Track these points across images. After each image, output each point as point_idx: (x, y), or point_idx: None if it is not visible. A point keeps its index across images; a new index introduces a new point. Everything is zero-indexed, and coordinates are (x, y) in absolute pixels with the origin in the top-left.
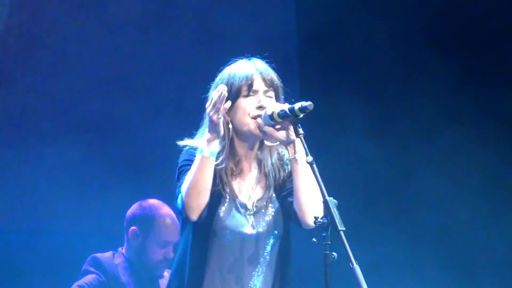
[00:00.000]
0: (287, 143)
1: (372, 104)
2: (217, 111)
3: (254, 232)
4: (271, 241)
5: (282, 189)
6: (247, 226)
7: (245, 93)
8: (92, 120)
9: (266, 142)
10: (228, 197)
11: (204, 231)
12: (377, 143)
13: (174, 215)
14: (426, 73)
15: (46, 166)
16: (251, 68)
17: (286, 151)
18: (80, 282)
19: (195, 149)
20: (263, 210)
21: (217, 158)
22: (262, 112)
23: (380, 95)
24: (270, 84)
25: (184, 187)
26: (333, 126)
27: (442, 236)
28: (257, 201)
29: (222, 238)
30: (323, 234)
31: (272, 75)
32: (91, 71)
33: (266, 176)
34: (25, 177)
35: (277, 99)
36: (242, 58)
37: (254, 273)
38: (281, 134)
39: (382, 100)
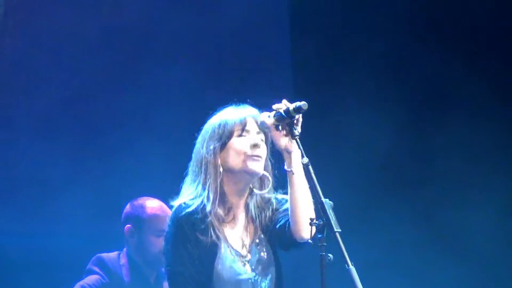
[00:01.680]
0: (286, 151)
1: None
2: None
3: (250, 276)
4: (266, 284)
5: (269, 225)
6: (244, 272)
7: (238, 133)
8: (88, 121)
9: (255, 190)
10: (222, 246)
11: (203, 285)
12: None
13: (164, 206)
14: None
15: (41, 167)
16: (243, 112)
17: (271, 194)
18: (83, 282)
19: (192, 214)
20: (256, 255)
21: (206, 206)
22: (257, 152)
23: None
24: (261, 128)
25: None
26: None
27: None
28: (249, 245)
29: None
30: (319, 236)
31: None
32: (86, 72)
33: (252, 219)
34: (19, 178)
35: (266, 143)
36: (230, 105)
37: None
38: (283, 141)
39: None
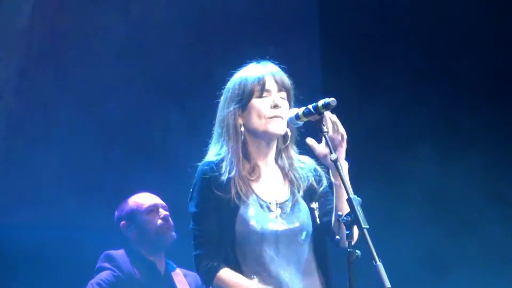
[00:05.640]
0: (327, 164)
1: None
2: None
3: (287, 227)
4: (305, 237)
5: (312, 199)
6: (277, 223)
7: (258, 93)
8: (113, 116)
9: (280, 145)
10: (246, 203)
11: (238, 242)
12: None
13: (148, 193)
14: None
15: (67, 161)
16: (262, 70)
17: (305, 158)
18: (96, 279)
19: (206, 171)
20: (290, 210)
21: (228, 167)
22: (277, 112)
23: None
24: (282, 85)
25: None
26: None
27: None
28: (282, 203)
29: (255, 242)
30: (347, 232)
31: (283, 76)
32: (114, 66)
33: (290, 182)
34: (46, 170)
35: (289, 100)
36: (251, 62)
37: (290, 272)
38: (322, 151)
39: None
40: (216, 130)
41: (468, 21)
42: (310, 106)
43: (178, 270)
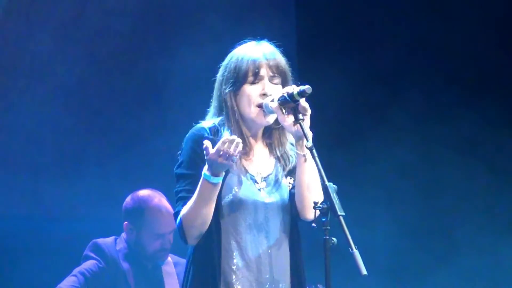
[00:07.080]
0: (296, 136)
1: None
2: (229, 158)
3: (268, 200)
4: (283, 213)
5: (291, 176)
6: (260, 195)
7: (251, 79)
8: (92, 104)
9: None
10: (235, 170)
11: (220, 207)
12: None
13: (165, 205)
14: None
15: (46, 152)
16: (258, 53)
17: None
18: (80, 268)
19: (198, 134)
20: (273, 184)
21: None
22: (265, 100)
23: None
24: (276, 71)
25: (186, 217)
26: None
27: None
28: (266, 177)
29: (237, 209)
30: (323, 220)
31: (280, 60)
32: (90, 55)
33: (276, 158)
34: (24, 162)
35: (285, 84)
36: (251, 40)
37: (268, 241)
38: (291, 125)
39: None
40: (214, 103)
41: None
42: (285, 94)
43: (169, 259)
